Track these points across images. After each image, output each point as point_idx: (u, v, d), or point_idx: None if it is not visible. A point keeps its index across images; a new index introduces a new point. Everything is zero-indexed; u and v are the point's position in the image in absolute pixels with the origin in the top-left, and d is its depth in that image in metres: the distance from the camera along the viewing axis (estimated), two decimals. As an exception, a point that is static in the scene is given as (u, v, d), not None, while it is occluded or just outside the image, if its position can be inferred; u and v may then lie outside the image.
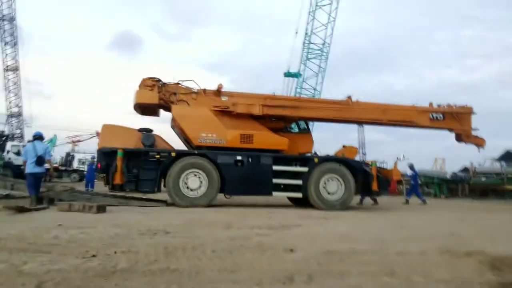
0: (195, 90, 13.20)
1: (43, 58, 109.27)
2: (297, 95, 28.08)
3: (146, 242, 5.52)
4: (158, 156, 11.88)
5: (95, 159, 20.35)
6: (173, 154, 12.03)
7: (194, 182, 11.79)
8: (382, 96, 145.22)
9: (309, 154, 13.90)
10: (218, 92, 13.18)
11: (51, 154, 11.74)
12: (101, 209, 9.23)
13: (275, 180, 12.33)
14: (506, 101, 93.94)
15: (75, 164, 37.23)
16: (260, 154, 12.46)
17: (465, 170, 30.81)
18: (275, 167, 12.38)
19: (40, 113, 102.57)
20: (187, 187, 11.74)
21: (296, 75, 31.05)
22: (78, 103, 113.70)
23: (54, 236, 5.73)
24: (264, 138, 12.83)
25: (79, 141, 50.02)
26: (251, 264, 4.37)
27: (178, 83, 13.22)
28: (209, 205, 11.69)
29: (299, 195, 12.60)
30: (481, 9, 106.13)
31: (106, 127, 12.63)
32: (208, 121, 12.58)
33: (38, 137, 10.60)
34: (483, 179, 29.15)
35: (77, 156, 38.95)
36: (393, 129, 16.51)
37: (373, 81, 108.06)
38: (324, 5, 29.98)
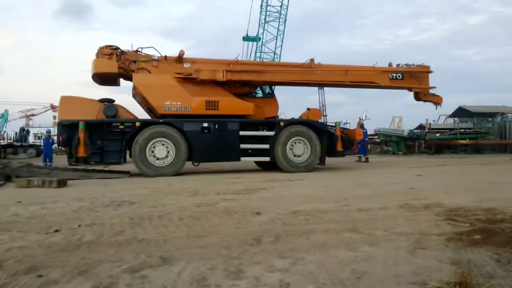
0: (156, 58, 12.81)
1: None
2: (257, 59, 27.78)
3: (110, 213, 5.43)
4: (122, 127, 11.61)
5: (51, 133, 19.62)
6: (137, 124, 11.79)
7: (161, 151, 11.64)
8: (340, 58, 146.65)
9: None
10: (180, 58, 12.84)
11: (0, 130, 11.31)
12: (61, 183, 8.97)
13: (242, 146, 12.36)
14: (458, 59, 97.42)
15: (31, 139, 35.68)
16: (227, 120, 12.39)
17: (421, 127, 32.07)
18: (242, 133, 12.38)
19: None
20: (154, 156, 11.59)
21: (255, 39, 30.63)
22: (28, 76, 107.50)
23: (13, 213, 5.53)
24: (230, 104, 12.72)
25: (33, 115, 47.91)
26: (218, 229, 4.41)
27: (137, 51, 12.75)
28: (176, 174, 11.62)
29: (266, 159, 12.73)
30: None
31: (64, 99, 12.12)
32: (171, 89, 12.28)
33: None
34: (438, 135, 30.54)
35: (32, 131, 37.28)
36: (352, 90, 16.85)
37: (331, 43, 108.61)
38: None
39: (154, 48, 12.92)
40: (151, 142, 11.59)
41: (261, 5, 30.06)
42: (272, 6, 30.03)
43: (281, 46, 30.49)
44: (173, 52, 13.02)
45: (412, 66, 15.03)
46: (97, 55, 12.37)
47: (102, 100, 12.19)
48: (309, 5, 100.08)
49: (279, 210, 5.46)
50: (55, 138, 21.67)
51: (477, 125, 34.85)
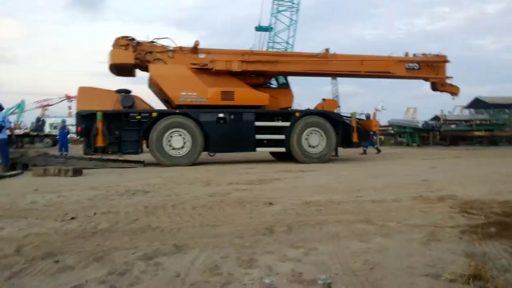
0: (171, 48, 12.83)
1: (2, 21, 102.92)
2: (270, 49, 27.63)
3: (125, 202, 5.51)
4: (139, 117, 11.74)
5: (66, 123, 19.88)
6: (154, 114, 11.89)
7: (178, 141, 11.75)
8: (353, 48, 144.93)
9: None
10: (195, 49, 12.83)
11: (10, 121, 11.57)
12: (77, 172, 9.12)
13: (258, 136, 12.37)
14: (474, 48, 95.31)
15: (47, 129, 36.14)
16: (242, 111, 12.41)
17: (436, 118, 31.56)
18: (257, 123, 12.39)
19: (3, 79, 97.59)
20: (170, 146, 11.70)
21: (267, 28, 30.40)
22: (43, 66, 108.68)
23: (31, 201, 5.65)
24: (245, 94, 12.71)
25: (48, 105, 48.61)
26: (231, 219, 4.44)
27: (153, 41, 12.79)
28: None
29: (282, 149, 12.72)
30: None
31: (82, 89, 12.26)
32: (187, 79, 12.33)
33: None
34: (453, 126, 30.04)
35: (48, 121, 37.78)
36: (363, 80, 16.65)
37: (343, 32, 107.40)
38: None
39: (170, 39, 13.01)
40: (168, 132, 11.70)
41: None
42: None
43: (294, 36, 30.23)
44: (186, 43, 13.05)
45: (428, 55, 14.78)
46: (114, 46, 12.46)
47: (119, 91, 12.32)
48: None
49: (292, 201, 5.47)
50: (70, 128, 21.98)
51: (493, 117, 34.16)
